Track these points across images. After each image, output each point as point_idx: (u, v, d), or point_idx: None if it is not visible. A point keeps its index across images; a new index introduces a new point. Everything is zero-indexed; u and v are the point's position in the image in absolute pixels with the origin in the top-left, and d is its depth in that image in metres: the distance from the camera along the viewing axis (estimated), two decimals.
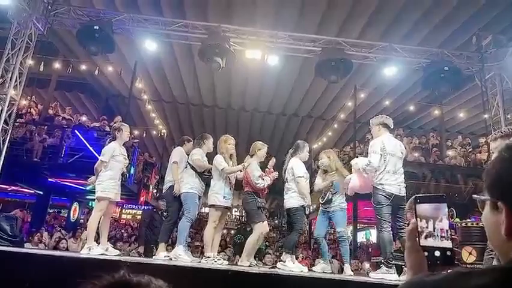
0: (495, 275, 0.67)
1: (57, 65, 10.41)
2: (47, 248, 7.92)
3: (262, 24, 8.59)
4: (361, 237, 13.30)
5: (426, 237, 0.88)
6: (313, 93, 12.11)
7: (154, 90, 12.89)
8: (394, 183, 4.23)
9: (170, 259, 4.71)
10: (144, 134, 14.25)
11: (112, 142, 5.08)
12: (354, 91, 10.76)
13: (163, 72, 11.68)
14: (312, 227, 10.79)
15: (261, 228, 4.80)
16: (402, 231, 4.20)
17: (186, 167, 5.20)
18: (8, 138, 7.52)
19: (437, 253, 0.86)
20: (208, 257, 4.69)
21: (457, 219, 6.32)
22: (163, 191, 5.69)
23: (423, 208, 0.90)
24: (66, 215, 13.01)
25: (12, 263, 3.31)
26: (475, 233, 5.44)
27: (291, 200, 4.85)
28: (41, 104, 12.20)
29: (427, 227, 0.88)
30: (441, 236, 0.86)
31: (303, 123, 14.59)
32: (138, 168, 11.82)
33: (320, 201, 4.99)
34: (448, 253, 0.85)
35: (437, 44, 8.92)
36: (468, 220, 6.04)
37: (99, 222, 4.86)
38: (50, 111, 11.60)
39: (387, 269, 4.13)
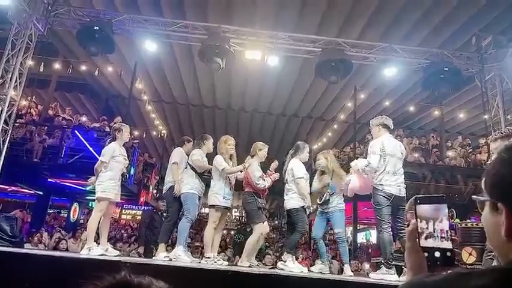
0: (495, 276, 0.67)
1: (57, 66, 10.42)
2: (47, 248, 7.92)
3: (262, 24, 8.59)
4: (361, 237, 13.31)
5: (426, 238, 0.88)
6: (313, 93, 12.11)
7: (154, 90, 12.90)
8: (394, 183, 4.22)
9: (170, 260, 4.71)
10: (144, 135, 14.25)
11: (112, 143, 5.08)
12: (354, 92, 10.76)
13: (163, 72, 11.68)
14: (312, 228, 10.77)
15: (261, 228, 4.80)
16: (402, 231, 4.20)
17: (186, 168, 5.20)
18: (8, 138, 7.52)
19: (437, 254, 0.86)
20: (208, 258, 4.69)
21: (457, 220, 6.31)
22: (163, 192, 5.69)
23: (424, 209, 0.90)
24: (66, 215, 13.04)
25: (12, 263, 3.31)
26: (475, 234, 5.43)
27: (292, 201, 4.85)
28: (41, 105, 12.20)
29: (427, 228, 0.88)
30: (442, 237, 0.86)
31: (303, 123, 14.59)
32: (138, 168, 11.83)
33: (318, 202, 4.98)
34: (448, 254, 0.85)
35: (437, 44, 8.93)
36: (468, 221, 6.03)
37: (99, 222, 4.87)
38: (50, 112, 11.61)
39: (387, 269, 4.13)
